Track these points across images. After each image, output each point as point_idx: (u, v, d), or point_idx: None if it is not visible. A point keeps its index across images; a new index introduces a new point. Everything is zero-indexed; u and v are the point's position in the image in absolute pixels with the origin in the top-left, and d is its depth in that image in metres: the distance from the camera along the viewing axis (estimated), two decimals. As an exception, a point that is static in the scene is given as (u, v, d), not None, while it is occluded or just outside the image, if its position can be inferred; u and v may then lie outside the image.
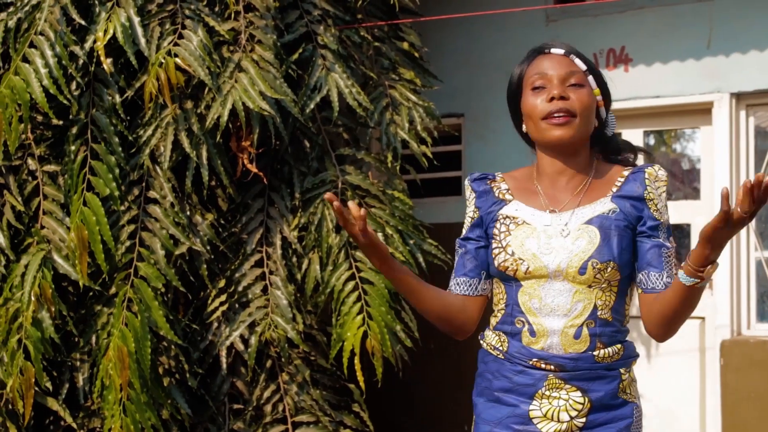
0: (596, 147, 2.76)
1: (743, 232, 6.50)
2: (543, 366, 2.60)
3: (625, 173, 2.69)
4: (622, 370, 2.64)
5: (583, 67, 2.68)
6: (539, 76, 2.66)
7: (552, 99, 2.62)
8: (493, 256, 2.68)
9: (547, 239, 2.62)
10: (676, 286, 2.48)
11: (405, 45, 6.17)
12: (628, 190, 2.65)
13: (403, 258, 5.48)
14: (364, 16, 6.05)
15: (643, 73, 6.68)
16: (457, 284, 2.78)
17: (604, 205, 2.64)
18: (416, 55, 6.20)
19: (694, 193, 6.88)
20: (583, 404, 2.59)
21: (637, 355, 2.71)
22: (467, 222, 2.80)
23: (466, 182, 2.83)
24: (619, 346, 2.63)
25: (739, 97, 6.51)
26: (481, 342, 2.77)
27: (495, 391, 2.67)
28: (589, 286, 2.59)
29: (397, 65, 6.06)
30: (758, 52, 6.40)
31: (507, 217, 2.69)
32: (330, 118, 5.71)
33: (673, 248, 2.65)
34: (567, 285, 2.59)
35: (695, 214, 6.69)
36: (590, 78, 2.68)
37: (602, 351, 2.60)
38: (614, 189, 2.67)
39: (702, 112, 6.63)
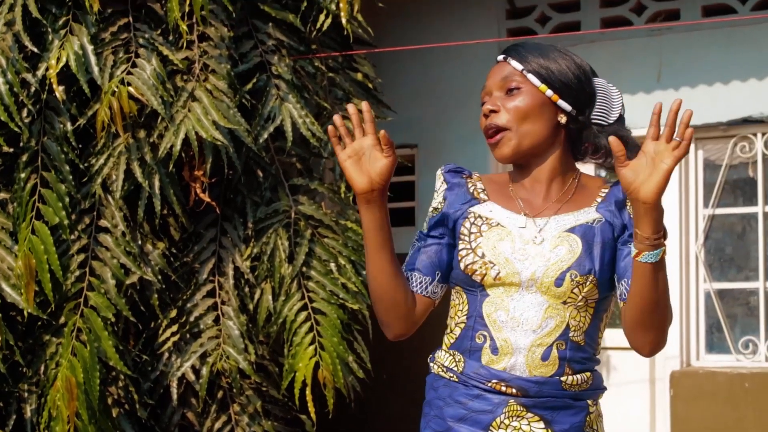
0: (579, 140, 2.47)
1: (693, 264, 6.58)
2: (503, 389, 2.30)
3: (609, 185, 2.43)
4: (589, 402, 2.36)
5: (519, 67, 2.39)
6: (484, 90, 2.44)
7: (482, 117, 2.41)
8: (459, 258, 2.37)
9: (522, 244, 2.33)
10: (636, 268, 2.22)
11: (359, 76, 6.20)
12: (614, 200, 2.39)
13: (356, 288, 5.48)
14: (319, 47, 6.07)
15: (594, 106, 6.75)
16: (408, 278, 2.43)
17: (588, 214, 2.37)
18: (370, 85, 6.22)
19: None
20: None
21: (605, 388, 2.45)
22: (430, 213, 2.47)
23: (439, 172, 2.49)
24: (588, 374, 2.35)
25: (688, 130, 6.58)
26: (431, 365, 2.45)
27: (446, 419, 2.34)
28: (564, 302, 2.30)
29: (351, 96, 6.07)
30: (706, 86, 6.49)
31: (479, 216, 2.39)
32: (283, 148, 5.71)
33: None
34: (539, 298, 2.30)
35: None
36: (530, 76, 2.38)
37: (570, 377, 2.31)
38: (599, 199, 2.41)
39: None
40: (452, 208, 2.43)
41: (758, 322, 6.48)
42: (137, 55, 5.49)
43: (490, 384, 2.32)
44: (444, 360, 2.41)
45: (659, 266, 2.23)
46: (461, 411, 2.34)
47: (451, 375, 2.37)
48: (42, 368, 5.41)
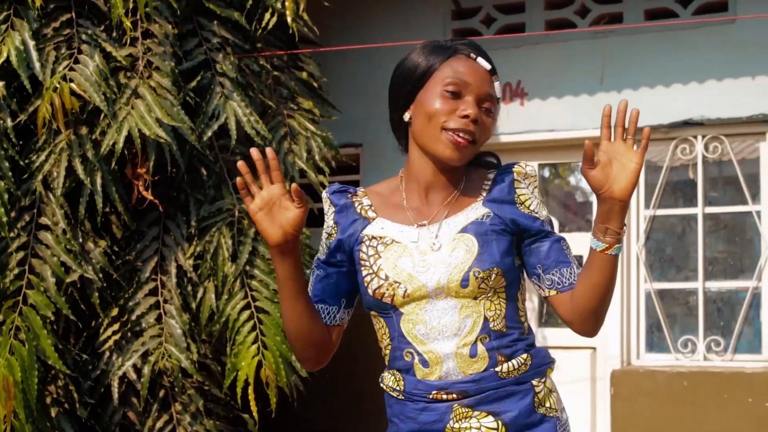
0: None
1: (633, 264, 6.65)
2: (445, 397, 2.33)
3: (491, 175, 2.45)
4: (534, 382, 2.36)
5: (499, 94, 2.44)
6: (458, 81, 2.36)
7: (465, 117, 2.34)
8: (366, 284, 2.37)
9: (421, 256, 2.34)
10: (601, 261, 2.29)
11: (304, 75, 6.19)
12: (499, 193, 2.41)
13: (300, 287, 5.46)
14: (264, 45, 6.05)
15: (538, 107, 6.81)
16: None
17: (477, 210, 2.38)
18: (315, 85, 6.22)
19: (587, 226, 7.02)
20: (497, 429, 2.31)
21: (552, 360, 2.44)
22: (325, 239, 2.46)
23: (324, 194, 2.48)
24: (524, 356, 2.36)
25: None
26: (382, 385, 2.48)
27: None
28: (475, 298, 2.32)
29: (295, 95, 6.07)
30: (648, 89, 6.57)
31: (373, 237, 2.39)
32: (228, 146, 5.69)
33: (564, 238, 2.44)
34: (451, 302, 2.32)
35: (588, 246, 6.80)
36: (497, 107, 2.43)
37: (505, 365, 2.33)
38: (484, 193, 2.42)
39: (594, 146, 6.76)
40: (345, 234, 2.43)
41: (697, 321, 6.57)
42: (80, 51, 5.44)
43: (431, 396, 2.34)
44: (388, 381, 2.44)
45: (618, 257, 2.32)
46: (414, 426, 2.37)
47: (397, 393, 2.41)
48: (-20, 367, 5.34)
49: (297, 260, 2.33)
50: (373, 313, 2.43)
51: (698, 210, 6.62)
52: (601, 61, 6.70)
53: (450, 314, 2.33)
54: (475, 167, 2.48)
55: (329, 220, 2.47)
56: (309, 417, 6.84)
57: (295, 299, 2.36)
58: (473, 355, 2.32)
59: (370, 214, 2.44)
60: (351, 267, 2.44)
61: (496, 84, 2.43)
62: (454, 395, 2.33)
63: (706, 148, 6.57)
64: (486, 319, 2.33)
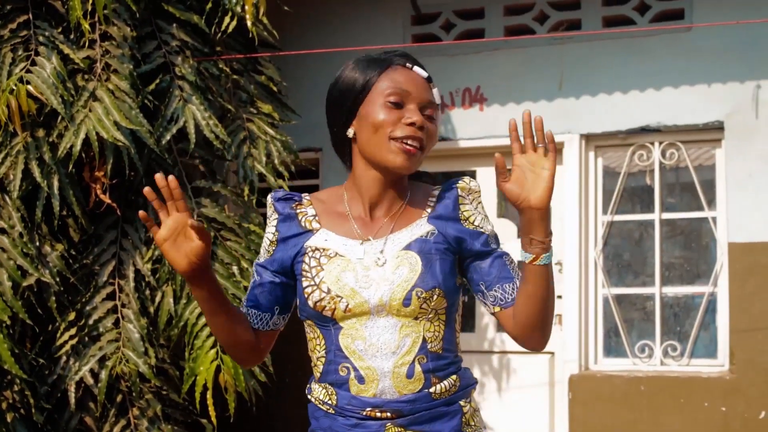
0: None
1: (591, 269, 6.69)
2: (378, 415, 2.32)
3: (436, 192, 2.45)
4: (462, 403, 2.39)
5: (438, 100, 2.42)
6: (399, 91, 2.37)
7: (411, 124, 2.34)
8: (306, 295, 2.35)
9: (364, 271, 2.33)
10: (533, 272, 2.29)
11: (263, 78, 6.18)
12: (443, 209, 2.41)
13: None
14: (223, 49, 6.04)
15: (497, 113, 6.84)
16: (248, 314, 2.45)
17: (421, 227, 2.38)
18: (275, 89, 6.21)
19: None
20: None
21: (475, 382, 2.47)
22: (266, 245, 2.45)
23: (269, 199, 2.47)
24: (454, 377, 2.38)
25: (588, 138, 6.72)
26: (309, 396, 2.48)
27: None
28: (416, 318, 2.32)
29: (255, 99, 6.06)
30: (606, 95, 6.62)
31: (316, 249, 2.38)
32: (186, 149, 5.66)
33: (508, 253, 2.43)
34: (392, 320, 2.32)
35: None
36: (438, 114, 2.42)
37: (438, 386, 2.35)
38: (428, 210, 2.42)
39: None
40: (287, 247, 2.42)
41: (654, 326, 6.62)
42: (37, 53, 5.40)
43: (364, 412, 2.34)
44: (318, 393, 2.44)
45: (551, 266, 2.31)
46: None
47: (328, 407, 2.40)
48: (-66, 372, 5.28)
49: (210, 282, 2.34)
50: (309, 322, 2.41)
51: (655, 216, 6.67)
52: (560, 67, 6.74)
53: (390, 332, 2.33)
54: (417, 182, 2.48)
55: (271, 227, 2.45)
56: (268, 422, 6.82)
57: (216, 315, 2.37)
58: (410, 375, 2.33)
59: (314, 224, 2.42)
60: (287, 279, 2.43)
61: (435, 91, 2.43)
62: (388, 414, 2.33)
63: (663, 154, 6.63)
64: (424, 340, 2.34)
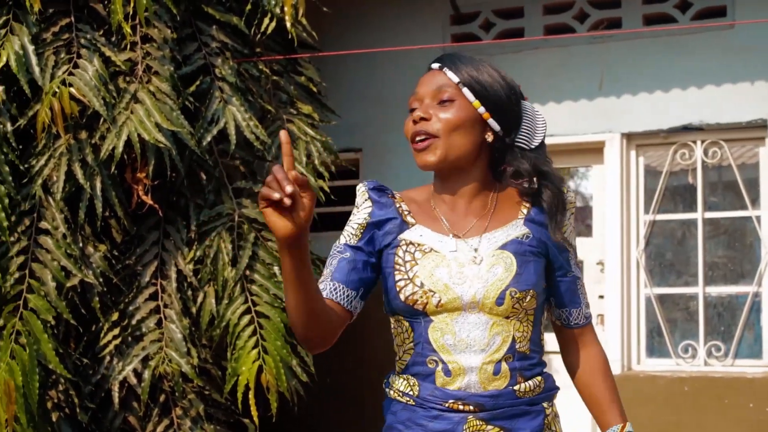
0: (501, 160, 2.45)
1: (633, 269, 6.65)
2: (461, 407, 2.32)
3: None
4: (545, 404, 2.40)
5: (456, 79, 2.38)
6: (414, 97, 2.41)
7: (413, 123, 2.37)
8: (398, 289, 2.34)
9: (458, 268, 2.33)
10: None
11: (303, 79, 6.19)
12: (538, 214, 2.41)
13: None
14: (263, 50, 6.06)
15: (537, 112, 6.80)
16: (334, 289, 2.36)
17: (517, 229, 2.39)
18: (314, 89, 6.22)
19: (587, 231, 7.02)
20: None
21: (558, 387, 2.47)
22: (352, 230, 2.42)
23: (363, 188, 2.45)
24: (539, 378, 2.39)
25: (629, 137, 6.67)
26: (387, 390, 2.44)
27: None
28: (507, 317, 2.33)
29: (295, 99, 6.07)
30: (647, 93, 6.58)
31: (411, 243, 2.37)
32: (227, 150, 5.69)
33: (581, 274, 2.51)
34: (483, 317, 2.32)
35: (588, 251, 6.81)
36: (465, 90, 2.37)
37: (523, 385, 2.35)
38: (524, 211, 2.42)
39: (594, 151, 6.78)
40: (382, 230, 2.41)
41: (697, 326, 6.56)
42: (79, 56, 5.44)
43: (447, 404, 2.33)
44: (399, 385, 2.40)
45: None
46: None
47: (408, 399, 2.37)
48: (-20, 372, 5.33)
49: (305, 252, 2.16)
50: (397, 317, 2.40)
51: (698, 215, 6.62)
52: (600, 66, 6.70)
53: (480, 329, 2.33)
54: (515, 181, 2.43)
55: (363, 212, 2.43)
56: (309, 422, 6.83)
57: (304, 286, 2.20)
58: (496, 372, 2.33)
59: (410, 219, 2.41)
60: (377, 261, 2.40)
61: (450, 73, 2.39)
62: (471, 407, 2.32)
63: (705, 153, 6.58)
64: (514, 340, 2.34)
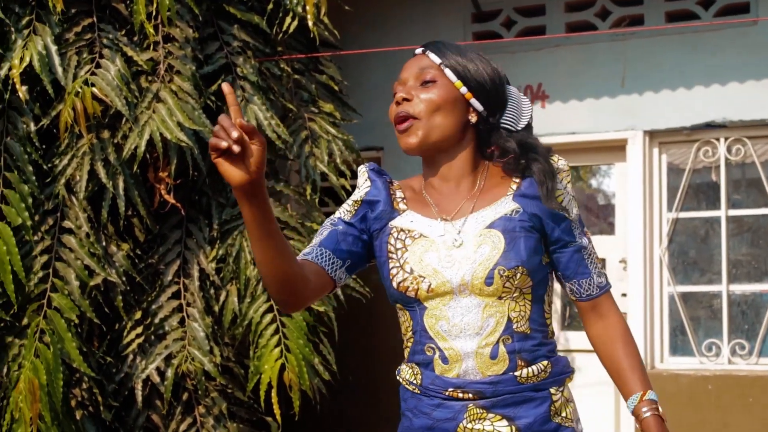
0: (487, 142, 2.44)
1: (657, 267, 6.62)
2: (461, 395, 2.30)
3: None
4: (552, 390, 2.34)
5: (438, 60, 2.39)
6: (397, 81, 2.42)
7: (397, 103, 2.38)
8: (391, 276, 2.35)
9: (447, 251, 2.32)
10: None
11: (324, 78, 6.20)
12: (530, 187, 2.36)
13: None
14: (284, 49, 6.06)
15: (559, 110, 6.79)
16: (320, 253, 2.37)
17: (506, 205, 2.35)
18: (336, 88, 6.23)
19: (609, 228, 6.99)
20: None
21: (571, 370, 2.43)
22: (349, 205, 2.44)
23: (363, 168, 2.48)
24: (545, 362, 2.34)
25: (652, 134, 6.64)
26: (398, 378, 2.45)
27: (416, 430, 2.37)
28: (500, 298, 2.30)
29: (316, 98, 6.07)
30: (670, 90, 6.55)
31: (401, 230, 2.38)
32: (249, 149, 5.68)
33: (590, 242, 2.43)
34: (475, 300, 2.29)
35: (610, 249, 6.79)
36: (447, 71, 2.38)
37: (525, 370, 2.31)
38: (514, 186, 2.39)
39: (616, 148, 6.75)
40: (375, 211, 2.41)
41: (721, 324, 6.53)
42: (101, 56, 5.47)
43: (447, 393, 2.32)
44: (406, 374, 2.42)
45: None
46: (427, 421, 2.35)
47: (414, 387, 2.39)
48: (5, 370, 5.36)
49: (264, 202, 2.13)
50: (398, 306, 2.40)
51: (721, 212, 6.58)
52: (622, 63, 6.68)
53: (473, 312, 2.30)
54: (506, 159, 2.42)
55: (361, 191, 2.45)
56: (332, 420, 6.84)
57: (264, 241, 2.17)
58: (494, 356, 2.30)
59: (401, 206, 2.42)
60: (369, 241, 2.42)
61: (432, 55, 2.41)
62: (470, 395, 2.31)
63: (728, 150, 6.54)
64: (510, 320, 2.31)
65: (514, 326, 2.31)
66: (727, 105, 6.43)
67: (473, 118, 2.40)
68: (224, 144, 2.02)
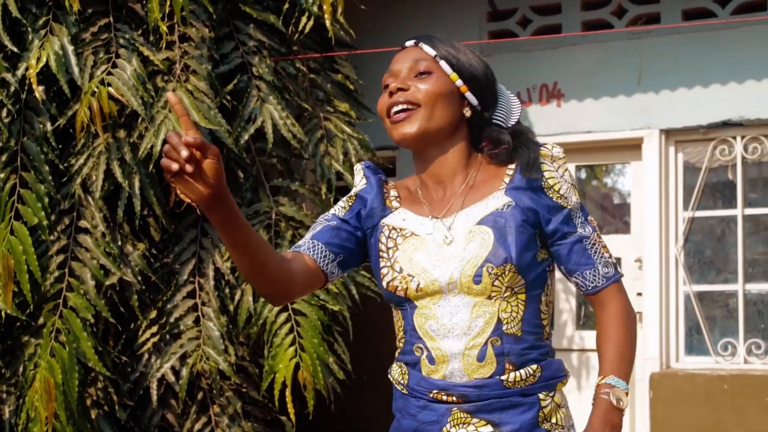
0: (479, 137, 2.39)
1: (672, 266, 6.60)
2: (445, 398, 2.24)
3: (515, 161, 2.34)
4: (541, 395, 2.25)
5: (432, 52, 2.33)
6: (388, 74, 2.35)
7: (389, 94, 2.31)
8: (381, 276, 2.30)
9: (437, 249, 2.25)
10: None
11: (340, 77, 6.20)
12: (522, 180, 2.29)
13: (337, 290, 5.48)
14: (300, 48, 6.07)
15: (575, 109, 6.77)
16: (312, 246, 2.33)
17: (498, 199, 2.27)
18: (351, 87, 6.23)
19: (625, 227, 6.97)
20: None
21: (564, 375, 2.32)
22: (344, 202, 2.41)
23: (359, 166, 2.45)
24: (534, 366, 2.24)
25: (668, 133, 6.62)
26: (389, 377, 2.43)
27: (403, 431, 2.33)
28: (489, 297, 2.21)
29: (332, 97, 6.08)
30: (686, 89, 6.52)
31: (393, 228, 2.33)
32: (264, 149, 5.70)
33: (595, 231, 2.32)
34: (465, 299, 2.22)
35: (626, 248, 6.77)
36: (443, 63, 2.32)
37: (512, 374, 2.22)
38: (506, 180, 2.30)
39: (632, 147, 6.73)
40: (366, 208, 2.38)
41: (737, 324, 6.51)
42: (117, 56, 5.48)
43: (431, 395, 2.26)
44: (394, 373, 2.39)
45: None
46: (413, 423, 2.30)
47: (402, 387, 2.35)
48: (20, 369, 5.39)
49: (231, 209, 2.06)
50: (392, 305, 2.36)
51: (738, 211, 6.56)
52: (639, 61, 6.65)
53: (462, 312, 2.23)
54: (499, 152, 2.35)
55: (357, 188, 2.42)
56: (346, 419, 6.85)
57: (239, 248, 2.13)
58: (481, 358, 2.22)
59: (394, 204, 2.37)
60: (363, 239, 2.38)
61: (426, 47, 2.35)
62: (454, 398, 2.24)
63: (745, 148, 6.51)
64: (500, 321, 2.23)
65: (504, 327, 2.23)
66: (744, 103, 6.40)
67: (467, 113, 2.35)
68: (175, 167, 1.94)
